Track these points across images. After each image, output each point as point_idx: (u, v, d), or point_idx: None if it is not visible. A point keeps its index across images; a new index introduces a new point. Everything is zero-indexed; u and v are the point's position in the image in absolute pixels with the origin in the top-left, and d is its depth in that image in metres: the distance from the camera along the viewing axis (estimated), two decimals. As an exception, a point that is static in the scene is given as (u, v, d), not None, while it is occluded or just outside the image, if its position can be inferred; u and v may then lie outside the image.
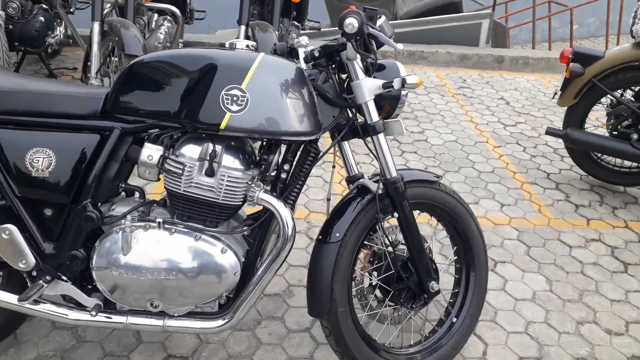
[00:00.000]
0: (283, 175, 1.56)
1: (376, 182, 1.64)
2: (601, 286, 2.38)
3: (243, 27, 3.18)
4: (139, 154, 1.48)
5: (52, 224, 1.52)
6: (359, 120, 1.61)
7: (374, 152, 1.60)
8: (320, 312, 1.60)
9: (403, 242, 1.71)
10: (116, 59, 3.03)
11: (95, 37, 3.07)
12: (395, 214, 1.64)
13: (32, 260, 1.49)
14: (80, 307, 1.56)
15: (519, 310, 2.19)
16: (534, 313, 2.19)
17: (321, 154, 1.58)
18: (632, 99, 3.06)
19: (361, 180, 1.68)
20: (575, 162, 3.25)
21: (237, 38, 3.47)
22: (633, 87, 3.04)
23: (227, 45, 1.61)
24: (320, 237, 1.62)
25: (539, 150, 3.66)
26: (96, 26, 3.09)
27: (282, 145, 1.56)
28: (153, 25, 3.84)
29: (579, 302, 2.28)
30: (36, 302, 1.54)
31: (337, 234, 1.59)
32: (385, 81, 1.53)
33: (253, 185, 1.49)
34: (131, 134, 1.51)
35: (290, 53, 1.62)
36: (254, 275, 1.56)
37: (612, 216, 2.95)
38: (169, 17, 3.85)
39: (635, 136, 2.94)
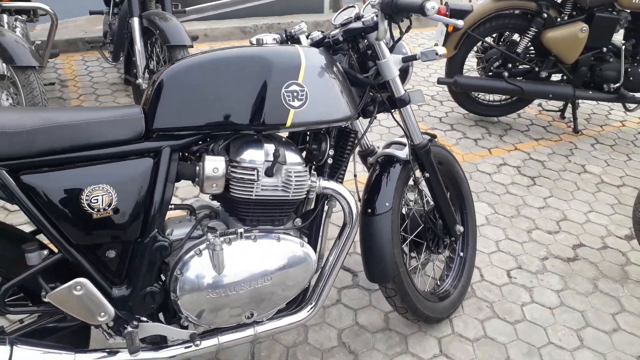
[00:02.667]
0: (329, 161, 1.61)
1: (398, 149, 1.79)
2: (526, 199, 2.90)
3: (136, 19, 2.93)
4: (195, 170, 1.40)
5: (116, 266, 1.36)
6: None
7: (401, 122, 1.74)
8: (386, 277, 1.73)
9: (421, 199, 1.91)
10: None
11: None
12: (426, 174, 1.82)
13: (111, 310, 1.32)
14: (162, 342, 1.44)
15: (484, 234, 2.58)
16: (495, 233, 2.60)
17: (363, 132, 1.66)
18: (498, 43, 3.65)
19: (385, 150, 1.81)
20: (458, 104, 3.76)
21: (123, 31, 3.20)
22: (496, 34, 3.62)
23: (254, 41, 1.56)
24: (368, 210, 1.72)
25: (423, 99, 4.13)
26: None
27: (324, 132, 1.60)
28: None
29: (518, 215, 2.76)
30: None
31: (387, 204, 1.71)
32: (404, 55, 1.66)
33: (310, 176, 1.52)
34: (178, 151, 1.41)
35: (290, 40, 1.66)
36: (325, 261, 1.61)
37: (502, 142, 3.54)
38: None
39: (506, 74, 3.52)
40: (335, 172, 1.63)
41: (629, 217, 2.81)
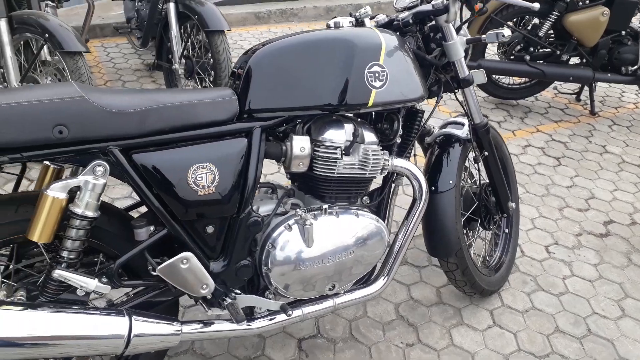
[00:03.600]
0: (398, 140, 1.68)
1: (457, 128, 1.87)
2: (554, 179, 3.00)
3: (172, 4, 2.95)
4: (281, 149, 1.46)
5: (214, 241, 1.42)
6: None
7: (463, 102, 1.82)
8: (450, 252, 1.81)
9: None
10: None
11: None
12: (485, 152, 1.90)
13: (212, 283, 1.39)
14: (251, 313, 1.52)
15: (520, 212, 2.67)
16: (530, 212, 2.69)
17: (430, 112, 1.73)
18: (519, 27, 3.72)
19: (444, 130, 1.89)
20: (480, 87, 3.84)
21: (154, 16, 3.22)
22: (517, 18, 3.69)
23: (332, 24, 1.62)
24: (432, 188, 1.80)
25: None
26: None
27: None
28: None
29: (549, 194, 2.86)
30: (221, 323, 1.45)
31: (450, 181, 1.79)
32: (469, 37, 1.73)
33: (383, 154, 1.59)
34: (266, 131, 1.47)
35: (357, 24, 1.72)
36: (396, 236, 1.69)
37: (524, 124, 3.64)
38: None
39: (528, 57, 3.60)
40: (404, 151, 1.71)
41: (653, 194, 2.93)
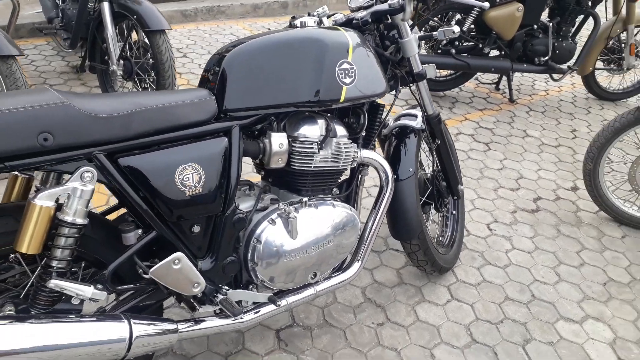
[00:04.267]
0: (363, 133, 1.78)
1: (411, 120, 2.00)
2: (486, 162, 3.26)
3: (106, 4, 2.85)
4: (259, 147, 1.51)
5: (200, 240, 1.44)
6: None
7: (417, 94, 1.95)
8: (412, 234, 1.94)
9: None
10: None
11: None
12: (437, 141, 2.04)
13: (203, 281, 1.41)
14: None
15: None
16: (469, 194, 2.91)
17: (390, 105, 1.84)
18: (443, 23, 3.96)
19: (399, 122, 2.01)
20: (409, 80, 4.05)
21: (83, 16, 3.10)
22: (443, 15, 3.93)
23: (298, 24, 1.67)
24: (395, 176, 1.91)
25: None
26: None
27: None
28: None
29: (483, 177, 3.10)
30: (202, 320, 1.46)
31: (410, 169, 1.92)
32: (420, 34, 1.86)
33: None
34: (244, 129, 1.50)
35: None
36: (366, 223, 1.79)
37: (453, 114, 3.89)
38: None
39: (453, 51, 3.85)
40: (368, 143, 1.80)
41: (570, 172, 3.26)
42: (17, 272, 1.34)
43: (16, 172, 1.38)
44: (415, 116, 2.01)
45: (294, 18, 1.82)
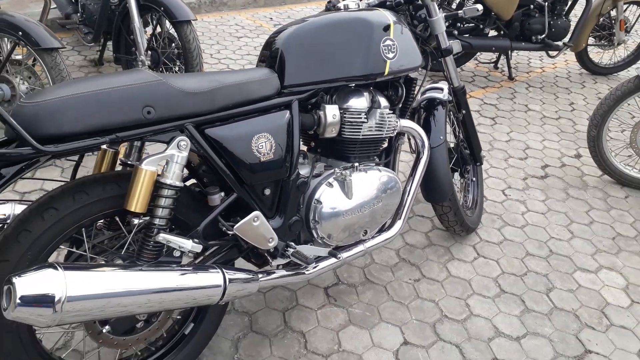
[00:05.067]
0: (399, 105, 1.96)
1: (438, 92, 2.18)
2: (494, 135, 3.46)
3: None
4: (313, 119, 1.68)
5: (270, 201, 1.61)
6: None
7: (444, 68, 2.13)
8: (444, 196, 2.13)
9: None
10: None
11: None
12: (463, 111, 2.23)
13: (276, 237, 1.58)
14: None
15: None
16: (483, 165, 3.11)
17: (422, 79, 2.02)
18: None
19: (426, 95, 2.19)
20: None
21: (106, 9, 3.23)
22: None
23: (341, 6, 1.84)
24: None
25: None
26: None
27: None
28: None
29: (493, 149, 3.30)
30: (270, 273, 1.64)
31: (441, 137, 2.10)
32: (446, 13, 2.04)
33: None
34: (300, 103, 1.67)
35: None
36: (405, 185, 1.98)
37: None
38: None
39: (455, 32, 4.03)
40: (404, 113, 1.99)
41: (572, 141, 3.48)
42: (114, 234, 1.51)
43: (105, 147, 1.53)
44: (441, 89, 2.19)
45: (329, 2, 1.98)
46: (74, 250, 1.45)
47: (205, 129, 1.43)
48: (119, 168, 1.56)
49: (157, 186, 1.35)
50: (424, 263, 2.29)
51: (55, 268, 1.10)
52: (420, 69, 2.03)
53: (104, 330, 1.38)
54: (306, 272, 1.68)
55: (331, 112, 1.67)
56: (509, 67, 4.36)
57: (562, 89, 4.31)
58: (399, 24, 1.79)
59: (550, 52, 4.33)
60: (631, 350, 1.96)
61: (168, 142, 1.36)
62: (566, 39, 4.25)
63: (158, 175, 1.36)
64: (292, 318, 1.95)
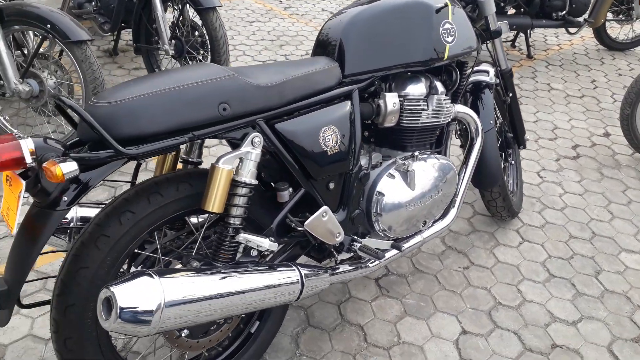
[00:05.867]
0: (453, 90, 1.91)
1: (484, 75, 2.13)
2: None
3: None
4: (372, 108, 1.63)
5: (335, 195, 1.58)
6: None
7: (492, 50, 2.08)
8: (495, 182, 2.10)
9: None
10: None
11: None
12: (509, 94, 2.19)
13: (342, 231, 1.55)
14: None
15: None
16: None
17: (474, 62, 1.97)
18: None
19: (473, 78, 2.14)
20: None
21: None
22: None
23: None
24: (479, 129, 2.06)
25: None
26: None
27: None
28: None
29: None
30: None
31: (491, 121, 2.06)
32: (493, -5, 1.99)
33: None
34: (360, 92, 1.62)
35: None
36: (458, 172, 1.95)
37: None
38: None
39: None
40: (456, 98, 1.94)
41: (599, 119, 3.45)
42: (177, 235, 1.47)
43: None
44: (487, 72, 2.14)
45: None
46: (141, 252, 1.41)
47: (274, 124, 1.38)
48: (179, 166, 1.52)
49: (233, 185, 1.31)
50: (471, 250, 2.28)
51: (150, 275, 1.06)
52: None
53: (183, 335, 1.35)
54: (370, 265, 1.66)
55: (391, 100, 1.63)
56: (528, 46, 4.31)
57: (582, 66, 4.26)
58: (456, 6, 1.74)
59: (570, 29, 4.27)
60: (687, 331, 1.96)
61: (241, 139, 1.32)
62: (586, 15, 4.19)
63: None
64: (347, 311, 1.93)
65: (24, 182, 1.08)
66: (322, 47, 1.61)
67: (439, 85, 1.76)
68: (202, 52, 3.01)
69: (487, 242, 2.32)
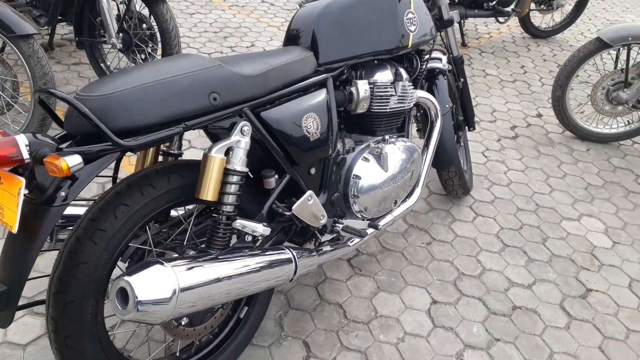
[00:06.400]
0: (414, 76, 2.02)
1: (437, 62, 2.27)
2: (463, 101, 3.63)
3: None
4: (344, 95, 1.71)
5: (315, 180, 1.64)
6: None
7: (445, 38, 2.21)
8: (452, 162, 2.25)
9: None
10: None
11: None
12: (461, 79, 2.34)
13: (325, 214, 1.62)
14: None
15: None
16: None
17: (429, 50, 2.09)
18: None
19: (429, 65, 2.27)
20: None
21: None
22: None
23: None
24: (436, 112, 2.19)
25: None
26: None
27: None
28: None
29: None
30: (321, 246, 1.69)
31: (447, 105, 2.20)
32: (447, -15, 2.12)
33: None
34: (334, 80, 1.69)
35: None
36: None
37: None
38: None
39: (413, 1, 4.13)
40: (416, 84, 2.06)
41: (531, 102, 3.73)
42: (165, 225, 1.48)
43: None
44: (439, 59, 2.28)
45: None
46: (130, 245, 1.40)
47: (260, 112, 1.42)
48: (160, 159, 1.52)
49: (225, 173, 1.34)
50: (431, 227, 2.42)
51: (161, 263, 1.08)
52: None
53: (183, 323, 1.37)
54: (350, 245, 1.74)
55: (363, 87, 1.71)
56: (462, 34, 4.54)
57: (511, 52, 4.56)
58: None
59: (499, 18, 4.55)
60: (623, 285, 2.20)
61: (228, 129, 1.35)
62: (513, 5, 4.48)
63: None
64: (325, 291, 2.01)
65: (23, 179, 1.06)
66: (295, 37, 1.66)
67: (403, 72, 1.86)
68: (151, 44, 2.96)
69: (445, 219, 2.48)
